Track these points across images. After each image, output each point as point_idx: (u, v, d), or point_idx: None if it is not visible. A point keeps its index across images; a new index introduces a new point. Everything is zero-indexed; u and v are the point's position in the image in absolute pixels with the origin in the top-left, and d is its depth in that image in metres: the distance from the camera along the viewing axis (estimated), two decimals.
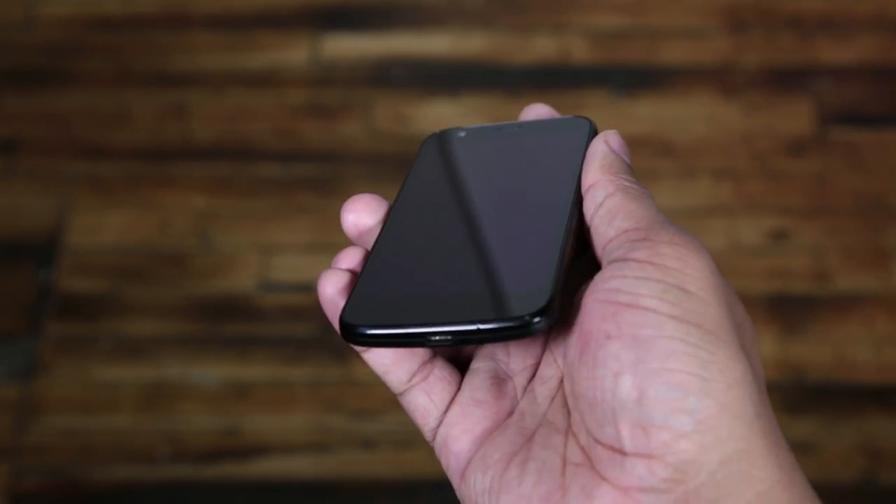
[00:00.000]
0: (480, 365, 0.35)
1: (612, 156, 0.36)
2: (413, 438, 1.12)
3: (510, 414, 0.34)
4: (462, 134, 0.43)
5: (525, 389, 0.34)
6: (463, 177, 0.41)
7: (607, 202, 0.34)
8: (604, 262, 0.32)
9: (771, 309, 1.17)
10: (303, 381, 1.15)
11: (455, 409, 0.34)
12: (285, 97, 1.33)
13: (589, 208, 0.34)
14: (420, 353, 0.35)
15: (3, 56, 1.36)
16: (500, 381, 0.35)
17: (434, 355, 0.35)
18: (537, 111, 0.41)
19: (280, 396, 1.14)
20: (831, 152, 1.27)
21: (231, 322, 1.18)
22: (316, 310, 1.19)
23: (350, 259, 0.36)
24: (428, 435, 0.35)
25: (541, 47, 1.35)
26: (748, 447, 0.28)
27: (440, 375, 0.35)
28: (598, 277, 0.31)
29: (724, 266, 1.20)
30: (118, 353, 1.17)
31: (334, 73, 1.34)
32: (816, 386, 1.13)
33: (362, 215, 0.38)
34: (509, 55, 1.35)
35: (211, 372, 1.16)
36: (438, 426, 0.35)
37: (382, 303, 0.34)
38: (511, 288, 0.33)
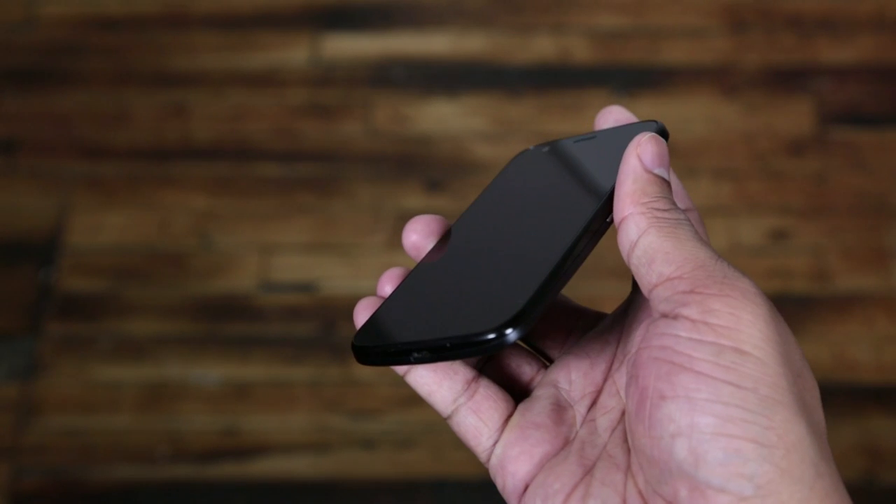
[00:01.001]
0: (541, 392, 0.35)
1: (644, 177, 0.33)
2: (413, 438, 1.12)
3: (568, 440, 0.34)
4: (545, 149, 0.42)
5: (585, 418, 0.34)
6: (512, 198, 0.40)
7: (642, 242, 0.32)
8: (653, 309, 0.32)
9: None
10: (303, 381, 1.15)
11: (513, 430, 0.34)
12: (285, 97, 1.33)
13: (624, 246, 0.33)
14: (462, 373, 0.35)
15: (3, 56, 1.36)
16: (560, 407, 0.35)
17: (478, 375, 0.35)
18: (614, 115, 0.40)
19: (280, 396, 1.14)
20: (831, 152, 1.27)
21: (231, 322, 1.18)
22: (316, 310, 1.19)
23: (388, 282, 0.38)
24: (482, 455, 0.35)
25: (541, 47, 1.35)
26: None
27: (486, 394, 0.35)
28: (651, 329, 0.31)
29: None
30: (118, 353, 1.17)
31: (334, 73, 1.34)
32: None
33: (422, 236, 0.39)
34: (509, 55, 1.35)
35: (211, 372, 1.16)
36: (493, 446, 0.35)
37: (388, 323, 0.35)
38: (489, 305, 0.33)
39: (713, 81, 1.32)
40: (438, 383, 0.35)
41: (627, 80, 1.33)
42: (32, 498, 1.09)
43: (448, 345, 0.32)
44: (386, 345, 0.34)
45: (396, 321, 0.35)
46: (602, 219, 0.34)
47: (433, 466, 1.10)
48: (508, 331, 0.31)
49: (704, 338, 0.29)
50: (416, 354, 0.33)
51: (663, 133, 0.37)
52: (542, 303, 0.32)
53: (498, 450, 0.34)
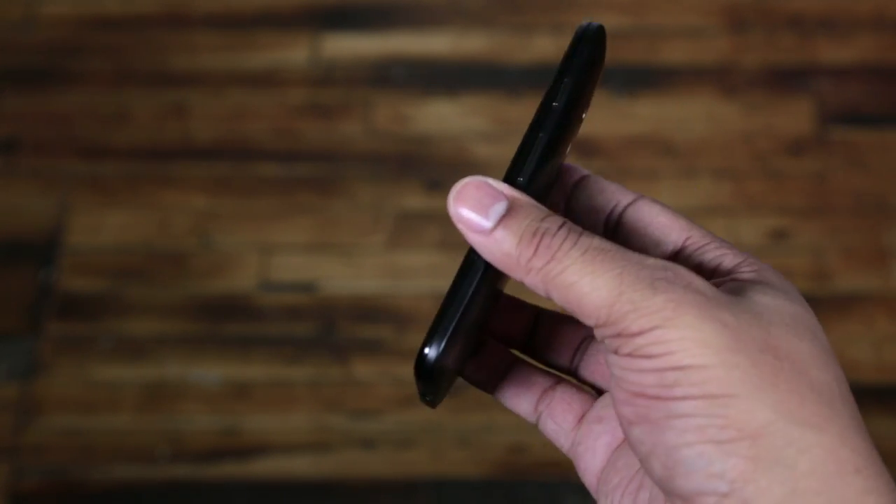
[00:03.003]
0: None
1: (491, 243, 0.31)
2: (413, 438, 1.12)
3: None
4: None
5: None
6: None
7: (554, 299, 0.31)
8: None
9: None
10: (303, 381, 1.15)
11: (581, 427, 0.35)
12: (285, 97, 1.33)
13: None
14: (539, 383, 0.36)
15: (3, 56, 1.36)
16: None
17: (556, 382, 0.36)
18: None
19: (280, 396, 1.14)
20: (831, 152, 1.27)
21: (231, 322, 1.18)
22: (316, 310, 1.19)
23: None
24: (570, 456, 0.36)
25: (541, 47, 1.35)
26: (796, 488, 0.27)
27: (561, 398, 0.36)
28: (607, 359, 0.31)
29: None
30: (118, 353, 1.17)
31: (334, 73, 1.34)
32: None
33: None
34: (509, 55, 1.35)
35: (211, 372, 1.16)
36: (571, 447, 0.36)
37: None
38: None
39: (713, 81, 1.32)
40: (518, 396, 0.36)
41: (627, 80, 1.33)
42: (32, 498, 1.09)
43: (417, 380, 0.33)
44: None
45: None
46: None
47: (433, 466, 1.10)
48: (419, 382, 0.32)
49: (644, 367, 0.29)
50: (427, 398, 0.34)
51: (591, 33, 0.32)
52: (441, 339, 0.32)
53: (572, 450, 0.36)
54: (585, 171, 0.36)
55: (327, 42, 1.37)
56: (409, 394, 1.13)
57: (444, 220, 1.21)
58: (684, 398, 0.28)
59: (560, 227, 0.30)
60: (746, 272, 0.32)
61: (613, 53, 1.47)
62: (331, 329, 1.17)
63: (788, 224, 1.23)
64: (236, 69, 1.35)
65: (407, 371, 1.24)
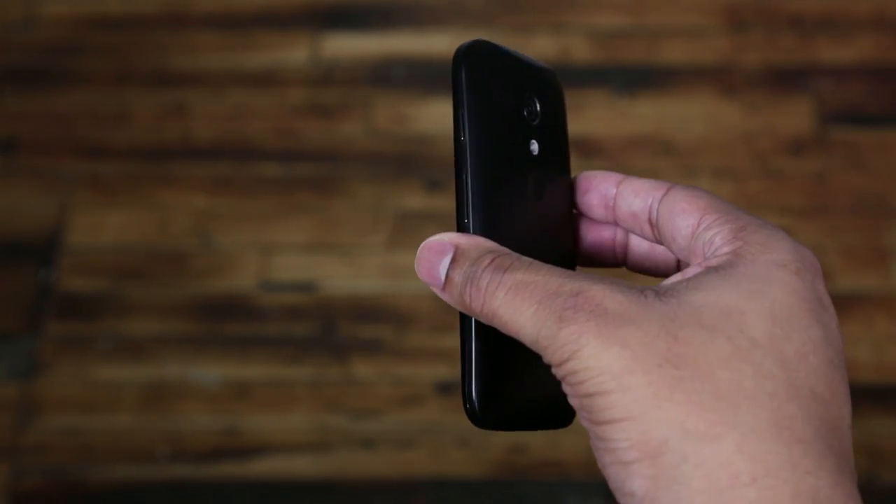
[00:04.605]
0: None
1: (448, 296, 0.33)
2: (413, 438, 1.12)
3: None
4: None
5: None
6: None
7: None
8: None
9: None
10: (303, 381, 1.15)
11: None
12: (285, 97, 1.33)
13: None
14: None
15: (3, 56, 1.36)
16: None
17: None
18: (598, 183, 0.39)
19: (280, 396, 1.14)
20: (831, 152, 1.27)
21: (231, 322, 1.18)
22: (316, 310, 1.19)
23: None
24: None
25: (541, 47, 1.35)
26: None
27: None
28: None
29: None
30: (118, 353, 1.17)
31: (334, 73, 1.34)
32: None
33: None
34: None
35: (211, 372, 1.16)
36: None
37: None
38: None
39: (713, 81, 1.32)
40: None
41: (627, 80, 1.33)
42: (32, 498, 1.09)
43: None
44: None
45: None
46: None
47: (433, 466, 1.10)
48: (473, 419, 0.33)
49: (570, 394, 0.30)
50: None
51: (460, 56, 0.34)
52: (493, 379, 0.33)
53: None
54: (619, 176, 0.37)
55: (327, 42, 1.37)
56: (409, 394, 1.13)
57: (444, 220, 1.21)
58: (598, 423, 0.29)
59: (485, 269, 0.32)
60: (722, 255, 0.32)
61: (613, 53, 1.46)
62: (331, 329, 1.17)
63: (788, 224, 1.23)
64: (236, 69, 1.35)
65: (407, 371, 1.24)
